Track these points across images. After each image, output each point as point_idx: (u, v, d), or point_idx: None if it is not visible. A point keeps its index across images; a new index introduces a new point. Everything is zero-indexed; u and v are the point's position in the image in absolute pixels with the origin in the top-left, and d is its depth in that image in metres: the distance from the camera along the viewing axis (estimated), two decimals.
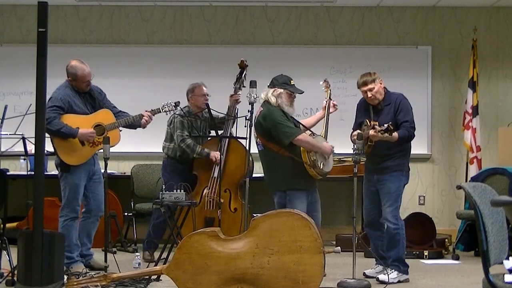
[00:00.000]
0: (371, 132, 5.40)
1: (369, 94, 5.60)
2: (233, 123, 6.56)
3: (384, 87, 5.69)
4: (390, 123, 5.38)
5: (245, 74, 6.72)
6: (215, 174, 6.54)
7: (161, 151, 6.74)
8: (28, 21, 8.25)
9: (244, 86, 6.73)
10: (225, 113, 6.57)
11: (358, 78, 5.69)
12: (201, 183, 6.55)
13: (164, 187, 5.70)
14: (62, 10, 8.27)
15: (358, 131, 5.57)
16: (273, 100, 5.48)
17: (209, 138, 6.73)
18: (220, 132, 6.55)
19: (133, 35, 8.31)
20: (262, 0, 8.15)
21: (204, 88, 6.70)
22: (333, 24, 8.29)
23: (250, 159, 6.73)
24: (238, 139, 6.45)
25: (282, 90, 5.50)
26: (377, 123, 5.49)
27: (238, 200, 6.61)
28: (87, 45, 8.25)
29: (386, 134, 5.33)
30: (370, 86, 5.59)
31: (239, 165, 6.39)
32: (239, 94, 6.65)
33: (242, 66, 6.73)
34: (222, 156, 6.41)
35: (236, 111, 6.63)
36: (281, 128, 5.39)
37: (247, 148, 5.69)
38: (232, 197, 6.36)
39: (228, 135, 6.57)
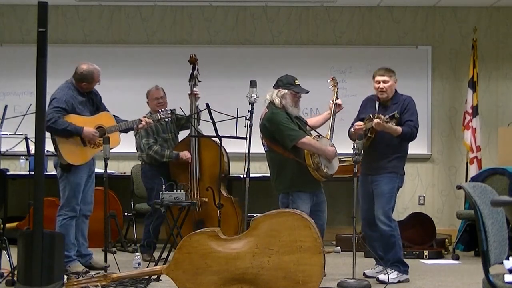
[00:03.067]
0: (376, 120, 5.39)
1: (382, 85, 5.62)
2: (199, 120, 6.60)
3: (395, 89, 5.72)
4: (396, 112, 5.40)
5: (197, 69, 6.74)
6: (193, 175, 6.58)
7: None
8: (28, 21, 8.25)
9: (199, 81, 6.76)
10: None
11: (375, 70, 5.74)
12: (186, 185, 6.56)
13: (164, 187, 5.70)
14: (62, 10, 8.28)
15: (361, 122, 5.57)
16: (277, 101, 5.47)
17: (179, 140, 6.81)
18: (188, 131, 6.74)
19: (133, 35, 8.32)
20: (262, 0, 8.15)
21: (156, 91, 6.73)
22: (333, 24, 8.29)
23: (226, 159, 6.77)
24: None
25: (286, 91, 5.48)
26: (381, 116, 5.48)
27: (222, 195, 6.61)
28: (87, 45, 8.25)
29: (390, 124, 5.35)
30: (385, 77, 5.64)
31: (215, 161, 6.39)
32: (195, 90, 6.70)
33: (193, 62, 6.76)
34: (195, 156, 6.56)
35: (198, 106, 6.65)
36: (285, 131, 5.37)
37: (247, 148, 5.68)
38: (215, 193, 6.35)
39: (195, 133, 6.59)
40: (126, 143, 6.37)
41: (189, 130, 6.85)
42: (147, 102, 6.75)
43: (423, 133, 7.91)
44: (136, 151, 6.79)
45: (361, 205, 5.73)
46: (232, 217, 6.60)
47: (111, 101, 6.11)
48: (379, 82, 5.65)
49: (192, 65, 6.76)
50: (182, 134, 6.96)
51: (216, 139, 6.45)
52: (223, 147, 6.76)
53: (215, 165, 6.40)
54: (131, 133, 6.31)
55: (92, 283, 4.66)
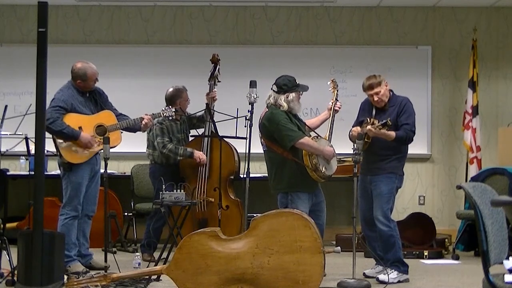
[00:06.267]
0: (368, 127, 5.41)
1: (376, 98, 5.59)
2: (213, 121, 6.53)
3: (390, 90, 5.70)
4: (389, 118, 5.39)
5: (218, 68, 6.73)
6: (202, 174, 6.57)
7: None
8: (28, 21, 8.25)
9: (219, 81, 6.75)
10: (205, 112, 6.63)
11: (363, 81, 5.67)
12: (189, 185, 6.54)
13: (164, 187, 5.70)
14: (62, 10, 8.28)
15: (359, 127, 5.59)
16: (285, 105, 5.44)
17: (191, 139, 6.78)
18: (201, 131, 6.70)
19: (133, 35, 8.31)
20: (262, 0, 8.15)
21: (186, 93, 6.71)
22: (333, 24, 8.29)
23: (236, 158, 6.78)
24: (227, 138, 6.46)
25: (294, 94, 5.49)
26: (377, 120, 5.50)
27: (229, 197, 6.61)
28: (87, 45, 8.25)
29: (384, 130, 5.35)
30: (376, 90, 5.58)
31: (224, 162, 6.38)
32: (215, 91, 6.69)
33: (214, 61, 6.73)
34: (206, 155, 6.54)
35: (213, 107, 6.63)
36: (283, 131, 5.37)
37: (247, 148, 5.68)
38: (222, 194, 6.35)
39: (209, 133, 6.59)
40: (126, 143, 6.35)
41: (200, 129, 6.85)
42: (178, 101, 6.59)
43: (423, 133, 7.92)
44: (146, 150, 6.73)
45: (360, 206, 5.73)
46: (236, 220, 6.57)
47: (111, 101, 6.09)
48: (372, 96, 5.63)
49: (213, 65, 6.73)
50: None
51: (229, 140, 6.46)
52: (234, 147, 6.76)
53: (224, 166, 6.39)
54: (132, 133, 6.27)
55: (92, 283, 4.66)
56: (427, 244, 7.21)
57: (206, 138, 6.65)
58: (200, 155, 6.55)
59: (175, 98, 6.63)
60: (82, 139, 5.68)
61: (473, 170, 7.71)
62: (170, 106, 6.26)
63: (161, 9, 8.31)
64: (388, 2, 8.10)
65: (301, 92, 5.55)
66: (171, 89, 6.71)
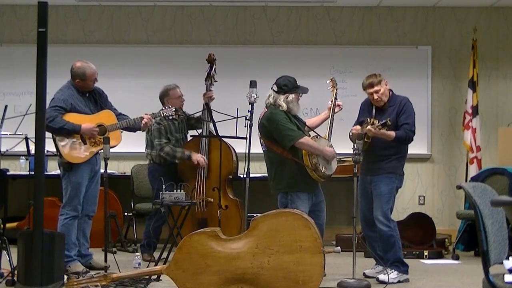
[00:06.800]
0: (368, 127, 5.41)
1: (375, 96, 5.59)
2: (213, 120, 6.51)
3: (390, 89, 5.70)
4: (389, 118, 5.40)
5: (214, 68, 6.73)
6: (201, 175, 6.57)
7: None
8: (28, 21, 8.26)
9: (215, 81, 6.76)
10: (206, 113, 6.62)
11: (363, 80, 5.68)
12: (188, 185, 6.53)
13: (164, 187, 5.69)
14: (62, 10, 8.28)
15: (359, 126, 5.59)
16: (284, 106, 5.44)
17: (190, 138, 6.79)
18: (199, 131, 6.73)
19: (133, 35, 8.32)
20: (262, 0, 8.15)
21: (178, 90, 6.70)
22: (333, 24, 8.29)
23: (234, 158, 6.78)
24: (226, 138, 6.47)
25: (294, 95, 5.48)
26: (377, 120, 5.50)
27: (228, 197, 6.61)
28: (87, 45, 8.25)
29: (383, 130, 5.36)
30: (376, 88, 5.59)
31: (222, 162, 6.37)
32: (212, 90, 6.69)
33: (210, 61, 6.74)
34: (204, 155, 6.56)
35: (211, 107, 6.63)
36: (283, 130, 5.37)
37: (247, 148, 5.68)
38: (221, 194, 6.35)
39: (207, 134, 6.59)
40: (126, 143, 6.36)
41: (198, 130, 6.85)
42: (165, 100, 6.60)
43: (423, 133, 7.92)
44: (144, 149, 6.72)
45: (360, 206, 5.72)
46: (235, 220, 6.58)
47: (111, 101, 6.09)
48: (372, 94, 5.63)
49: (209, 64, 6.74)
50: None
51: (226, 140, 6.46)
52: (232, 147, 6.76)
53: (223, 166, 6.39)
54: (132, 132, 6.27)
55: (92, 283, 4.66)
56: (427, 244, 7.21)
57: (204, 138, 6.65)
58: (198, 158, 6.55)
59: (163, 97, 6.66)
60: (84, 130, 5.68)
61: (473, 170, 7.71)
62: (170, 106, 6.24)
63: (161, 9, 8.31)
64: (388, 2, 8.10)
65: (300, 94, 5.55)
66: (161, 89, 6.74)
